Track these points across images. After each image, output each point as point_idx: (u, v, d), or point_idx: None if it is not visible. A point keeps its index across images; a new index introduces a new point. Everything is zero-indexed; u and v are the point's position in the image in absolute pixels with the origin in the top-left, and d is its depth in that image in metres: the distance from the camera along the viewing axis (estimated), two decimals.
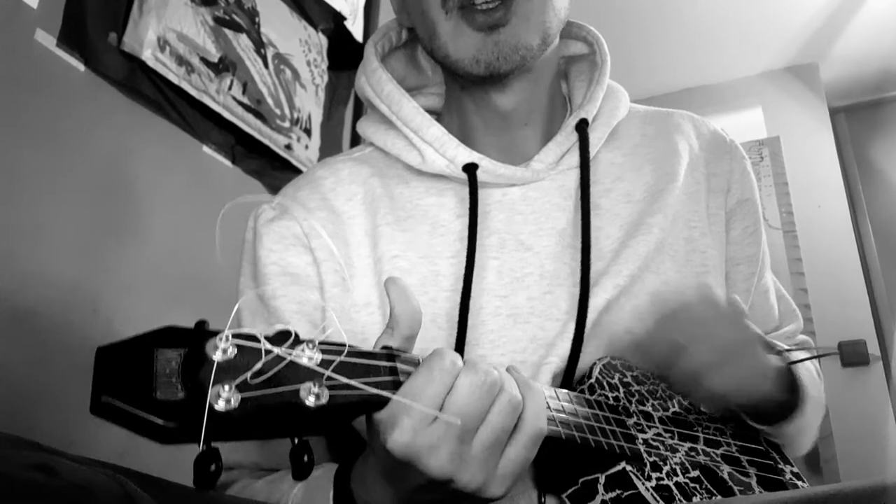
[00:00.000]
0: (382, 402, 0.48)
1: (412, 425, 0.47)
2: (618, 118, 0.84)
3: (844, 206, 2.90)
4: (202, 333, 0.42)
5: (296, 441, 0.43)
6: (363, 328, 0.75)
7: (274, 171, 1.76)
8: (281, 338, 0.45)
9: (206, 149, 1.60)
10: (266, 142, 1.72)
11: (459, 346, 0.71)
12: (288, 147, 1.79)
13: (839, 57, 3.03)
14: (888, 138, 3.18)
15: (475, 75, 0.75)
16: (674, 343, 0.66)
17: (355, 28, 2.07)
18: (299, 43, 1.89)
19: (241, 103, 1.65)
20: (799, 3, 2.76)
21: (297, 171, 1.74)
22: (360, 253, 0.78)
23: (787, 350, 0.79)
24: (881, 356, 2.70)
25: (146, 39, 1.42)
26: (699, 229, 0.80)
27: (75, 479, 0.43)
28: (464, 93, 0.81)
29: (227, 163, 1.65)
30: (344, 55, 2.02)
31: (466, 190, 0.78)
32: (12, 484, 0.39)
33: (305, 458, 0.43)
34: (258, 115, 1.70)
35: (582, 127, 0.80)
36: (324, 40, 1.99)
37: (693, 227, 0.80)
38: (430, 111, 0.87)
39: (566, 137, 0.80)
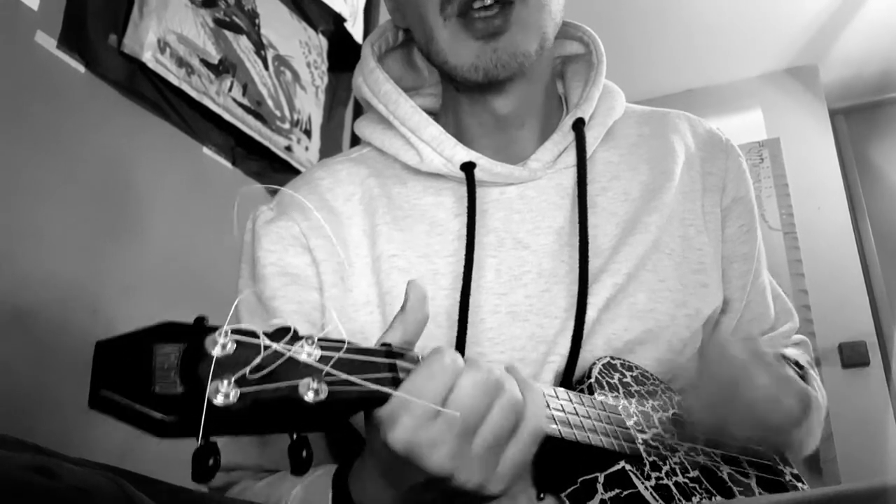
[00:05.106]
0: (382, 399, 0.48)
1: (413, 422, 0.47)
2: (614, 117, 0.84)
3: (844, 208, 2.90)
4: (201, 329, 0.43)
5: (294, 437, 0.43)
6: (363, 327, 0.75)
7: (274, 172, 1.76)
8: (280, 334, 0.45)
9: (206, 150, 1.60)
10: (266, 143, 1.72)
11: (459, 345, 0.71)
12: (288, 148, 1.79)
13: (839, 58, 3.03)
14: (888, 139, 3.18)
15: (473, 82, 0.76)
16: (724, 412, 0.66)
17: (355, 30, 2.08)
18: (299, 44, 1.89)
19: (241, 105, 1.66)
20: (798, 5, 2.76)
21: (297, 173, 1.73)
22: (359, 253, 0.78)
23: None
24: (881, 357, 2.70)
25: (146, 41, 1.42)
26: (695, 227, 0.81)
27: (75, 482, 0.43)
28: (460, 94, 0.82)
29: (228, 164, 1.65)
30: (344, 57, 2.03)
31: (464, 189, 0.78)
32: (12, 486, 0.39)
33: (304, 454, 0.43)
34: (258, 116, 1.70)
35: (578, 126, 0.80)
36: (324, 42, 1.99)
37: (689, 226, 0.80)
38: (427, 111, 0.87)
39: (563, 137, 0.81)
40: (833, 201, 2.91)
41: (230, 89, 1.63)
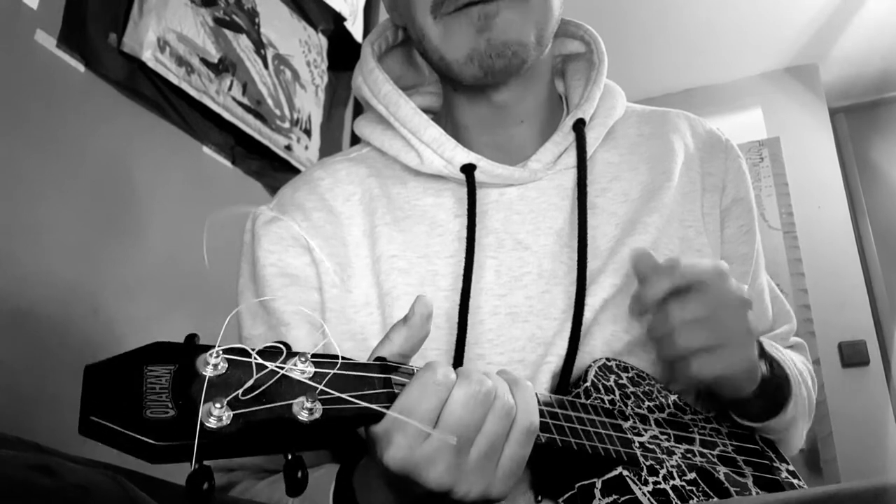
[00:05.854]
0: (377, 416, 0.47)
1: (407, 441, 0.47)
2: (614, 118, 0.84)
3: (844, 207, 2.90)
4: (193, 348, 0.42)
5: (289, 457, 0.42)
6: (362, 328, 0.75)
7: (274, 171, 1.76)
8: (273, 351, 0.44)
9: (205, 149, 1.60)
10: (266, 142, 1.73)
11: (459, 346, 0.71)
12: (288, 148, 1.79)
13: (839, 57, 3.03)
14: (888, 138, 3.18)
15: (470, 75, 0.75)
16: (669, 317, 0.64)
17: (355, 29, 2.08)
18: (299, 43, 1.89)
19: (240, 104, 1.66)
20: (799, 4, 2.76)
21: (297, 172, 1.74)
22: (359, 253, 0.78)
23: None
24: (881, 357, 2.70)
25: (146, 40, 1.42)
26: (694, 228, 0.80)
27: (75, 480, 0.43)
28: (459, 93, 0.81)
29: (227, 163, 1.65)
30: (344, 56, 2.03)
31: (464, 190, 0.78)
32: (13, 485, 0.39)
33: (299, 474, 0.42)
34: (258, 115, 1.70)
35: (579, 127, 0.80)
36: (324, 41, 1.99)
37: (688, 227, 0.80)
38: (428, 110, 0.87)
39: (563, 137, 0.80)
40: (833, 200, 2.91)
41: (230, 88, 1.63)
